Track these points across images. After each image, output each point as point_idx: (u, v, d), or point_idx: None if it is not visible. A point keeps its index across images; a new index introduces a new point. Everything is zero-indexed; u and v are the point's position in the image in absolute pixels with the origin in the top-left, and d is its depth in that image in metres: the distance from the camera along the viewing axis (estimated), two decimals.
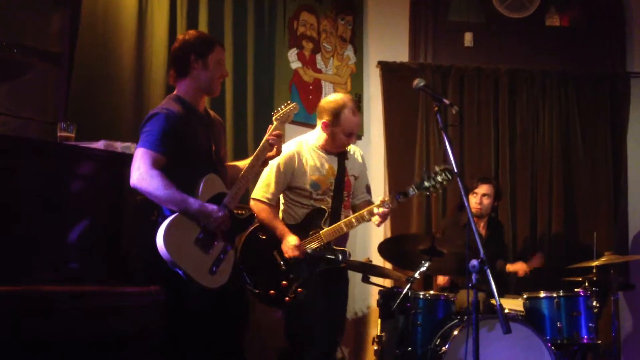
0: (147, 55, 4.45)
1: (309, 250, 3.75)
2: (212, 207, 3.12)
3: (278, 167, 3.87)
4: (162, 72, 4.44)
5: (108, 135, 3.68)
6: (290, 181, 3.89)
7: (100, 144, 3.45)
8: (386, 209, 3.72)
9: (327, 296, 3.82)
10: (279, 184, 3.87)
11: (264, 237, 3.82)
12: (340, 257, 3.79)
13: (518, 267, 5.13)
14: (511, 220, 5.88)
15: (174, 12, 4.60)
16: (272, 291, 3.69)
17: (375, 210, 3.72)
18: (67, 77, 4.13)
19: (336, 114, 3.88)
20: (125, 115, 4.29)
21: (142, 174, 3.04)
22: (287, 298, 3.68)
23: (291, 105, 3.69)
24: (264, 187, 3.89)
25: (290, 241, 3.74)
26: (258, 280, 3.74)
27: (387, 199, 3.76)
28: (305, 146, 3.97)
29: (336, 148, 3.97)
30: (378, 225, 3.81)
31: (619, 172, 5.99)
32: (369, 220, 3.77)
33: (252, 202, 3.90)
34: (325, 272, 3.78)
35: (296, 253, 3.72)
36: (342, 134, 3.89)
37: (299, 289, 3.68)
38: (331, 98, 4.01)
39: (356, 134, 3.96)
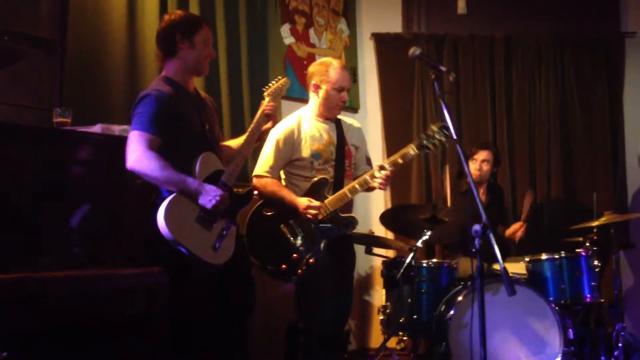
0: (139, 36, 4.42)
1: (328, 205, 3.75)
2: (211, 186, 3.13)
3: (278, 141, 3.86)
4: (154, 54, 4.40)
5: (104, 119, 3.67)
6: (291, 155, 3.89)
7: (97, 128, 3.44)
8: (387, 172, 3.74)
9: (336, 268, 3.83)
10: (280, 157, 3.86)
11: (268, 213, 3.81)
12: (348, 223, 3.80)
13: (514, 228, 5.14)
14: (510, 184, 5.90)
15: None
16: (283, 266, 3.70)
17: (377, 174, 3.73)
18: (60, 63, 4.10)
19: (324, 71, 3.92)
20: (120, 98, 4.28)
21: (138, 156, 3.04)
22: (299, 270, 3.69)
23: (282, 80, 3.69)
24: (265, 162, 3.88)
25: (303, 202, 3.74)
26: (268, 257, 3.73)
27: (386, 162, 3.77)
28: (304, 118, 3.97)
29: (332, 110, 3.96)
30: (380, 187, 3.80)
31: (616, 132, 5.99)
32: (372, 184, 3.77)
33: (255, 180, 3.88)
34: (332, 244, 3.79)
35: (314, 211, 3.72)
36: (333, 90, 3.90)
37: (310, 260, 3.68)
38: (317, 61, 4.07)
39: (346, 88, 3.93)
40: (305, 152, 3.86)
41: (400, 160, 3.79)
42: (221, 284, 3.25)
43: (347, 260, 3.99)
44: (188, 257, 3.03)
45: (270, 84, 3.67)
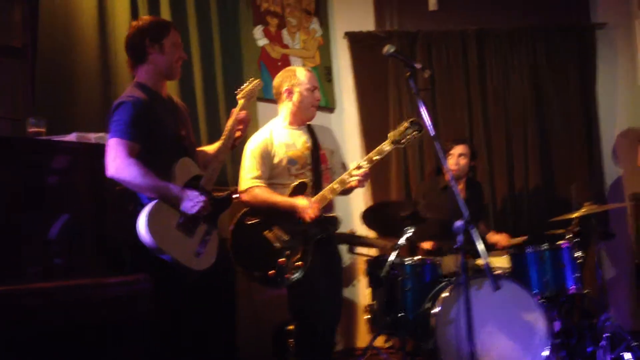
0: (110, 42, 4.36)
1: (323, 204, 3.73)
2: (193, 192, 3.10)
3: (254, 152, 3.83)
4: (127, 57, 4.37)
5: (79, 127, 3.63)
6: (270, 163, 3.86)
7: (72, 137, 3.40)
8: (365, 169, 3.73)
9: (326, 269, 3.81)
10: (262, 164, 3.82)
11: (251, 221, 3.78)
12: (332, 223, 3.78)
13: (500, 239, 5.14)
14: (489, 178, 5.92)
15: None
16: (271, 272, 3.67)
17: (354, 172, 3.72)
18: (31, 72, 4.04)
19: (292, 76, 3.91)
20: (95, 105, 4.22)
21: (119, 164, 3.00)
22: (286, 275, 3.66)
23: (255, 82, 3.68)
24: (247, 174, 3.83)
25: (303, 203, 3.71)
26: (255, 265, 3.70)
27: (362, 162, 3.77)
28: (275, 128, 3.94)
29: (308, 111, 3.94)
30: (358, 185, 3.78)
31: (591, 121, 6.03)
32: (350, 184, 3.76)
33: (243, 196, 3.81)
34: (319, 246, 3.76)
35: (316, 212, 3.68)
36: (307, 91, 3.89)
37: (297, 263, 3.66)
38: (280, 72, 4.03)
39: (317, 87, 3.94)
40: (282, 159, 3.84)
41: (375, 157, 3.78)
42: (207, 283, 3.22)
43: (335, 261, 3.97)
44: (172, 265, 3.00)
45: (242, 87, 3.66)
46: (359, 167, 3.73)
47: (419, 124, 3.77)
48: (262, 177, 3.81)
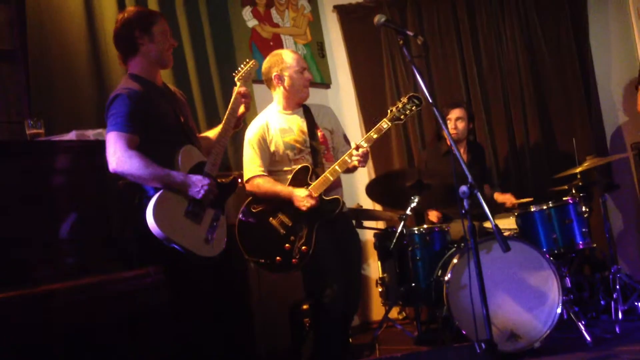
0: (100, 36, 4.34)
1: (312, 191, 3.72)
2: (197, 177, 3.11)
3: (252, 142, 3.85)
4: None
5: (77, 125, 3.62)
6: (269, 150, 3.86)
7: (72, 135, 3.39)
8: (364, 149, 3.72)
9: (340, 250, 3.82)
10: (263, 155, 3.83)
11: (256, 209, 3.80)
12: (333, 206, 3.78)
13: (506, 198, 5.15)
14: (490, 139, 5.91)
15: None
16: (277, 258, 3.69)
17: (354, 152, 3.72)
18: (24, 74, 4.02)
19: (280, 60, 3.89)
20: (90, 101, 4.22)
21: (119, 157, 3.00)
22: (293, 260, 3.68)
23: (250, 62, 3.67)
24: (250, 164, 3.84)
25: (300, 193, 3.72)
26: (262, 252, 3.72)
27: (361, 142, 3.76)
28: (270, 115, 3.94)
29: (300, 92, 3.93)
30: (360, 165, 3.79)
31: (587, 74, 5.98)
32: (351, 164, 3.76)
33: (247, 186, 3.83)
34: (328, 227, 3.77)
35: (312, 201, 3.70)
36: (296, 73, 3.88)
37: (303, 248, 3.68)
38: (267, 57, 4.00)
39: (306, 68, 3.92)
40: (279, 146, 3.84)
41: (375, 135, 3.77)
42: (218, 268, 3.24)
43: (347, 238, 3.96)
44: (183, 253, 3.01)
45: (239, 69, 3.65)
46: (358, 147, 3.72)
47: (418, 97, 3.78)
48: (263, 166, 3.83)
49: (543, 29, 6.01)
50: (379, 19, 3.21)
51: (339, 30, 6.04)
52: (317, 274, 3.72)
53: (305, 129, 3.89)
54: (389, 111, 3.81)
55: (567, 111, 5.96)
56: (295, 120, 3.91)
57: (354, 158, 3.73)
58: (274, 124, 3.89)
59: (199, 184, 3.09)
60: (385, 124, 3.78)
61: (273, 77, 3.90)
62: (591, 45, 6.03)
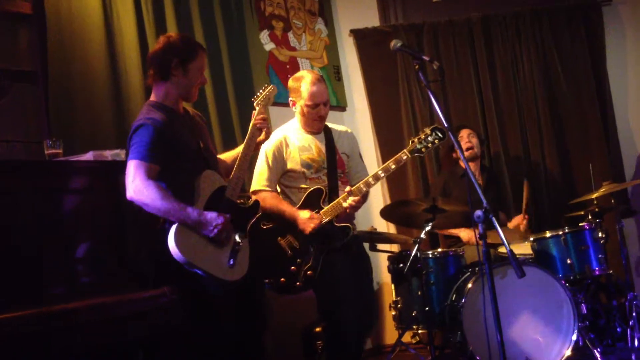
0: (119, 59, 4.38)
1: (325, 219, 3.72)
2: (212, 214, 3.09)
3: (267, 153, 3.87)
4: (137, 74, 4.39)
5: (94, 145, 3.65)
6: (283, 166, 3.88)
7: (89, 155, 3.42)
8: (357, 199, 3.70)
9: (354, 273, 3.81)
10: (274, 169, 3.85)
11: (266, 226, 3.80)
12: (343, 233, 3.77)
13: (517, 222, 5.12)
14: (505, 164, 5.88)
15: (140, 11, 4.53)
16: (282, 279, 3.69)
17: (350, 201, 3.69)
18: (44, 94, 4.07)
19: (295, 88, 3.92)
20: (108, 123, 4.24)
21: (137, 185, 3.02)
22: (298, 283, 3.68)
23: (269, 87, 3.69)
24: (259, 176, 3.87)
25: (303, 216, 3.72)
26: (267, 271, 3.72)
27: (378, 171, 3.75)
28: (290, 131, 3.97)
29: (311, 126, 3.95)
30: (349, 211, 3.74)
31: (604, 100, 5.96)
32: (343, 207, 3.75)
33: (253, 197, 3.83)
34: (342, 251, 3.77)
35: (313, 224, 3.69)
36: (307, 108, 3.89)
37: (309, 272, 3.67)
38: (293, 76, 4.03)
39: (321, 103, 3.89)
40: (296, 162, 3.85)
41: (393, 166, 3.78)
42: (236, 292, 3.23)
43: (361, 263, 3.96)
44: (205, 278, 3.00)
45: (258, 93, 3.68)
46: (349, 194, 3.69)
47: (441, 130, 3.75)
48: (272, 181, 3.83)
49: (560, 54, 6.00)
50: (395, 43, 3.23)
51: (355, 54, 6.07)
52: (331, 295, 3.71)
53: (324, 150, 3.92)
54: (410, 142, 3.81)
55: (584, 137, 5.93)
56: (314, 139, 3.93)
57: (345, 204, 3.70)
58: (293, 139, 3.90)
59: (212, 222, 3.08)
60: (404, 155, 3.78)
61: (289, 100, 3.93)
62: (608, 71, 6.02)
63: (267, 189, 3.84)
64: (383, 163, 5.65)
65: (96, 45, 4.30)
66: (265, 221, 3.80)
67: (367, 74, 6.03)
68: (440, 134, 3.74)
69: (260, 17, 5.56)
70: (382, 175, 3.76)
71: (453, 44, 6.02)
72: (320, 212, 3.75)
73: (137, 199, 3.03)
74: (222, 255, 3.13)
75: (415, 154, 3.79)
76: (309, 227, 3.69)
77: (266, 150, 3.87)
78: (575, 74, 6.00)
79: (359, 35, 6.04)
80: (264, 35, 5.58)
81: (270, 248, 3.75)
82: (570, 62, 6.01)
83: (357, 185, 3.75)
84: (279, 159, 3.86)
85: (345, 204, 3.71)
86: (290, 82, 3.99)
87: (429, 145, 3.77)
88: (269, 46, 5.61)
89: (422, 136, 3.78)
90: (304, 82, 3.90)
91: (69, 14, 4.20)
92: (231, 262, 3.13)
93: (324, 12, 6.05)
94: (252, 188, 3.89)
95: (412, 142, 3.80)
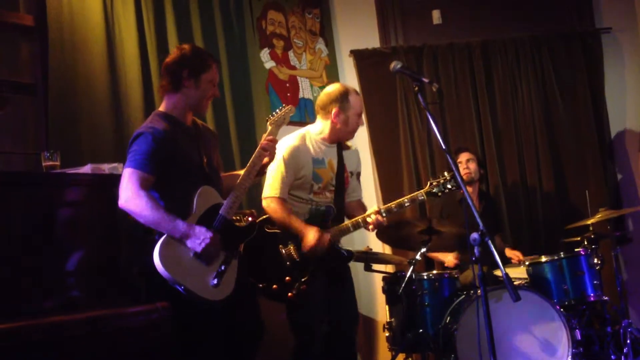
0: (120, 73, 4.41)
1: (333, 240, 3.72)
2: (201, 228, 3.07)
3: (284, 160, 3.79)
4: (137, 88, 4.41)
5: (92, 158, 3.65)
6: (295, 172, 3.83)
7: (87, 168, 3.42)
8: (383, 220, 3.73)
9: (330, 295, 3.80)
10: (288, 176, 3.79)
11: (270, 230, 3.77)
12: (346, 257, 3.78)
13: (515, 254, 5.12)
14: (502, 189, 5.89)
15: (142, 26, 4.56)
16: (274, 285, 3.66)
17: (372, 218, 3.73)
18: (43, 106, 4.08)
19: (344, 98, 3.90)
20: (106, 136, 4.26)
21: (129, 195, 3.01)
22: (290, 294, 3.65)
23: (286, 107, 3.65)
24: (274, 183, 3.79)
25: (312, 237, 3.68)
26: (262, 275, 3.68)
27: (391, 205, 3.78)
28: (308, 138, 3.93)
29: (350, 134, 3.98)
30: (371, 230, 3.79)
31: (602, 126, 6.00)
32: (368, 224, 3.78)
33: (264, 202, 3.82)
34: (327, 271, 3.76)
35: (323, 244, 3.68)
36: (355, 115, 3.91)
37: (303, 287, 3.65)
38: (330, 89, 4.00)
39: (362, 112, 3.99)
40: (308, 172, 3.83)
41: (407, 204, 3.81)
42: (228, 313, 3.21)
43: (343, 289, 3.96)
44: (185, 295, 2.99)
45: (274, 112, 3.62)
46: (389, 210, 3.74)
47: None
48: (285, 189, 3.80)
49: (558, 80, 6.04)
50: (394, 65, 3.23)
51: (355, 74, 6.08)
52: (301, 317, 3.72)
53: (335, 166, 3.91)
54: (428, 183, 3.82)
55: (581, 163, 5.96)
56: (329, 154, 3.93)
57: (370, 227, 3.73)
58: (310, 148, 3.88)
59: (200, 236, 3.05)
60: (421, 195, 3.79)
61: (331, 109, 3.90)
62: (606, 98, 6.06)
63: (279, 197, 3.79)
64: (380, 183, 5.74)
65: (97, 58, 4.32)
66: (269, 225, 3.78)
67: (366, 94, 6.03)
68: (456, 184, 3.72)
69: (261, 35, 5.59)
70: (396, 210, 3.80)
71: (452, 68, 6.05)
72: (329, 232, 3.74)
73: (127, 207, 3.02)
74: (207, 273, 3.09)
75: (430, 197, 3.83)
76: (316, 251, 3.67)
77: (282, 154, 3.80)
78: (574, 100, 6.04)
79: (359, 56, 6.06)
80: (265, 54, 5.60)
81: (269, 253, 3.72)
82: (569, 88, 6.05)
83: (388, 205, 3.80)
84: (293, 166, 3.81)
85: (370, 219, 3.73)
86: (333, 93, 3.93)
87: (446, 190, 3.79)
88: (269, 64, 5.62)
89: (442, 180, 3.79)
90: (351, 92, 3.93)
91: (71, 27, 4.23)
92: (214, 282, 3.08)
93: (324, 32, 6.08)
94: (265, 194, 3.83)
95: (431, 184, 3.80)
